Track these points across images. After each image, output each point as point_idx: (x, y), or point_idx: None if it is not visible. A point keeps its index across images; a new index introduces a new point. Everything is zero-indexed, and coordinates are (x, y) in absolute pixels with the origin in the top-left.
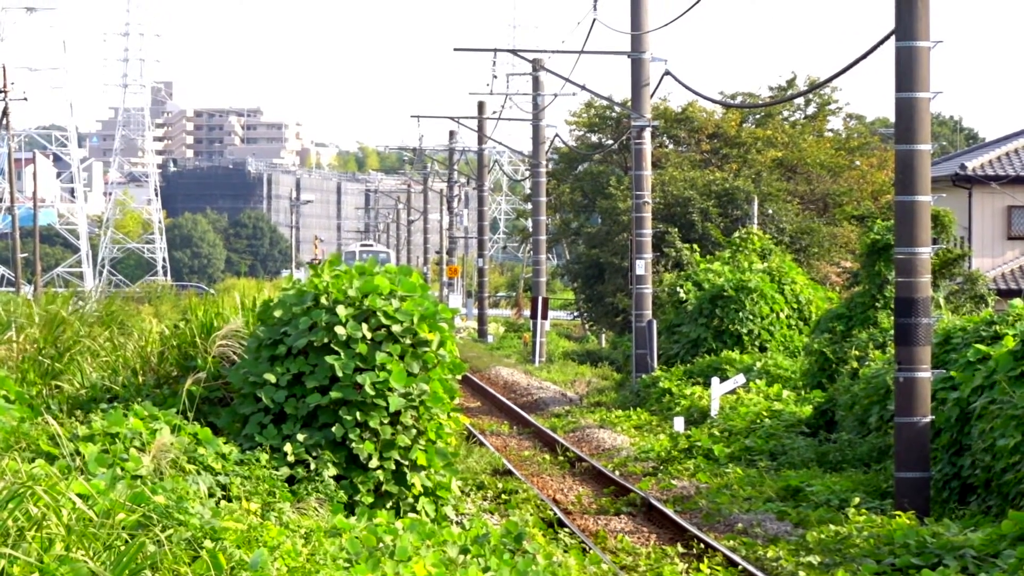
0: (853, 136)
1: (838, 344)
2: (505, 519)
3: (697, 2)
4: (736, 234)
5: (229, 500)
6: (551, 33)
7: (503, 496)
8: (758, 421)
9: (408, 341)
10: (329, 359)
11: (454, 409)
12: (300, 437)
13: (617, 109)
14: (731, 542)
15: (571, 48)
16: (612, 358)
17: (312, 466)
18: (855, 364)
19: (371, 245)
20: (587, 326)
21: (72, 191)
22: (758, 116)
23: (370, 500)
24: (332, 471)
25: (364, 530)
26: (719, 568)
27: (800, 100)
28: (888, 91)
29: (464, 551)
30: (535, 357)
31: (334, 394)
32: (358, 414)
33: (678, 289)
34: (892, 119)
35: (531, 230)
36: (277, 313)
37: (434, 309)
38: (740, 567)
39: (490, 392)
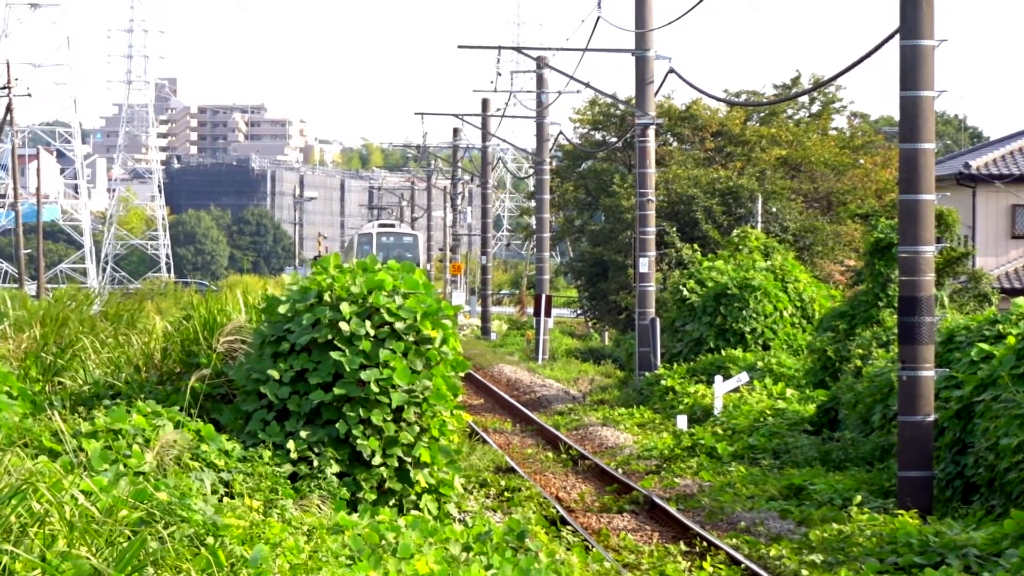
0: (857, 134)
1: (841, 343)
2: (508, 517)
3: (701, 0)
4: (735, 233)
5: (232, 497)
6: (555, 31)
7: (506, 494)
8: (761, 419)
9: (411, 338)
10: (334, 355)
11: (457, 406)
12: (303, 434)
13: (621, 107)
14: (734, 540)
15: (575, 46)
16: (615, 356)
17: (315, 463)
18: (858, 363)
19: (393, 226)
20: (590, 324)
21: (76, 187)
22: (762, 114)
23: (373, 497)
24: (335, 468)
25: (366, 527)
26: (722, 566)
27: (804, 98)
28: (892, 89)
29: (467, 549)
30: (538, 355)
31: (338, 391)
32: (361, 411)
33: (681, 287)
34: (896, 117)
35: (535, 228)
36: (281, 309)
37: (437, 306)
38: (743, 566)
39: (493, 390)
